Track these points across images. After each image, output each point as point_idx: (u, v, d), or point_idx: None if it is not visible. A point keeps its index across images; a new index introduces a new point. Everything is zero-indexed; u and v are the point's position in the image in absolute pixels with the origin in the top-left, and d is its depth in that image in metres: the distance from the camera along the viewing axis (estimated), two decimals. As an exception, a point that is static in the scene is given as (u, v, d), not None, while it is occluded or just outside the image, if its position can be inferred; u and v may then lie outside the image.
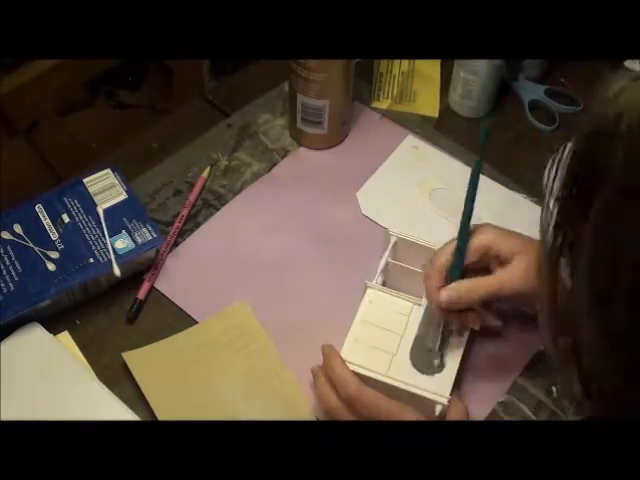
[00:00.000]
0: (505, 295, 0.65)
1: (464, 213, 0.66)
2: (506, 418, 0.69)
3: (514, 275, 0.64)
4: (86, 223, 0.74)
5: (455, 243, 0.66)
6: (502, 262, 0.66)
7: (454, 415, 0.64)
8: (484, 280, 0.66)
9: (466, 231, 0.66)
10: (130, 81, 1.42)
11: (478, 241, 0.66)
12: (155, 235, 0.74)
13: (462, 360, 0.68)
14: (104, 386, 0.68)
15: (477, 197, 0.84)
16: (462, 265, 0.66)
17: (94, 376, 0.69)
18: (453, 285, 0.66)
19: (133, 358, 0.70)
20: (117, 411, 0.67)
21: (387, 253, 0.72)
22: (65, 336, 0.71)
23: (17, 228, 0.73)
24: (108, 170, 0.78)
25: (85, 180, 0.77)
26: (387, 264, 0.73)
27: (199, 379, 0.70)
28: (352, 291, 0.76)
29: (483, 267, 0.67)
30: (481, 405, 0.69)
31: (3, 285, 0.70)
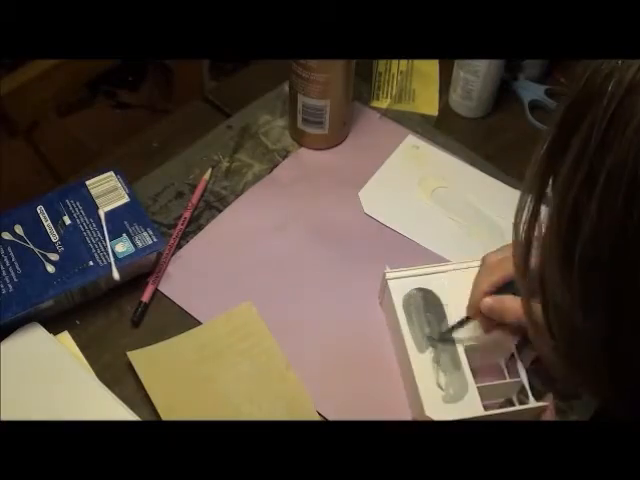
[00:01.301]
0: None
1: None
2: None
3: None
4: (87, 226, 0.74)
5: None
6: None
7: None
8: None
9: None
10: (130, 81, 1.42)
11: None
12: (156, 239, 0.74)
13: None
14: (104, 386, 0.68)
15: (480, 195, 0.85)
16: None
17: (94, 376, 0.69)
18: (502, 299, 0.66)
19: (138, 357, 0.70)
20: (117, 411, 0.67)
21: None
22: (65, 336, 0.71)
23: (18, 229, 0.73)
24: (111, 173, 0.78)
25: (88, 182, 0.77)
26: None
27: (203, 379, 0.70)
28: (356, 290, 0.77)
29: None
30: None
31: (2, 286, 0.70)
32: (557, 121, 0.40)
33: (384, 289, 0.74)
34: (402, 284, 0.72)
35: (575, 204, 0.37)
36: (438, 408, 0.66)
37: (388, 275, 0.72)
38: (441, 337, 0.70)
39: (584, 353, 0.42)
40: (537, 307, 0.43)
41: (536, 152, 0.41)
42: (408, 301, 0.72)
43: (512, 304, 0.65)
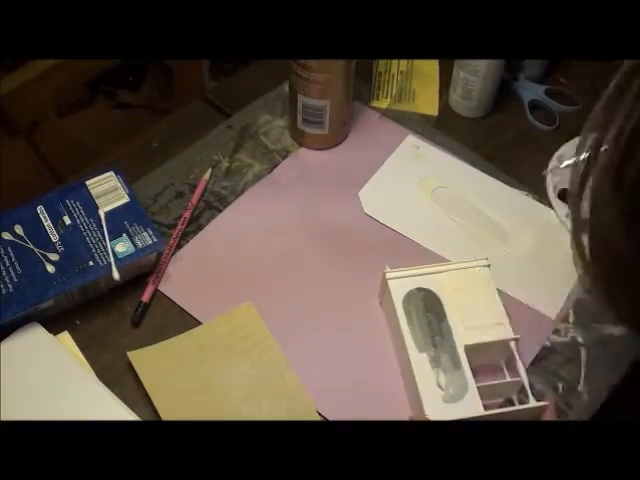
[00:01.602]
0: None
1: None
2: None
3: None
4: (87, 226, 0.74)
5: None
6: None
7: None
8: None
9: None
10: (130, 81, 1.42)
11: None
12: (156, 239, 0.74)
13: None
14: (104, 386, 0.68)
15: (480, 195, 0.85)
16: None
17: (94, 376, 0.69)
18: None
19: (138, 357, 0.70)
20: (117, 411, 0.67)
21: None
22: (65, 336, 0.71)
23: (18, 229, 0.73)
24: (111, 173, 0.78)
25: (88, 182, 0.77)
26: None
27: (203, 379, 0.70)
28: (356, 290, 0.77)
29: None
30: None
31: (2, 286, 0.70)
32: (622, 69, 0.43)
33: (384, 289, 0.74)
34: (402, 284, 0.72)
35: (632, 134, 0.41)
36: (438, 408, 0.66)
37: (388, 275, 0.72)
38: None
39: (624, 277, 0.45)
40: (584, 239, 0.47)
41: (598, 102, 0.45)
42: (408, 301, 0.72)
43: None
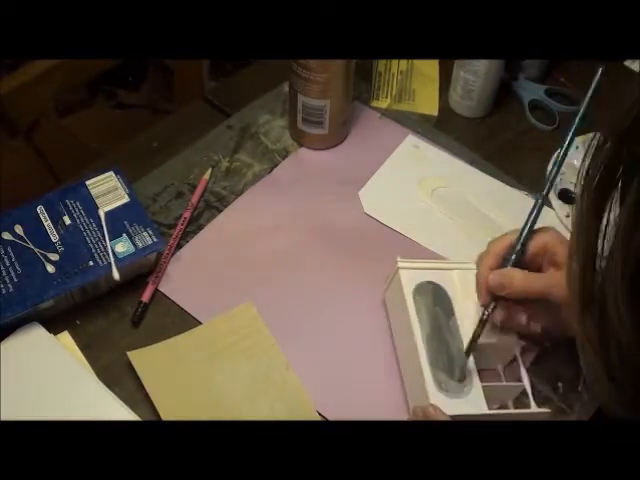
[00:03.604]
0: (554, 298, 0.66)
1: (536, 207, 0.69)
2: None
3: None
4: (87, 226, 0.74)
5: (517, 234, 0.68)
6: (557, 266, 0.67)
7: None
8: (538, 277, 0.68)
9: (532, 224, 0.68)
10: (130, 81, 1.42)
11: (540, 238, 0.68)
12: (156, 239, 0.74)
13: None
14: (104, 386, 0.68)
15: (480, 195, 0.85)
16: (521, 254, 0.68)
17: (94, 376, 0.69)
18: (506, 270, 0.67)
19: (138, 357, 0.70)
20: (117, 411, 0.67)
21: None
22: (65, 336, 0.71)
23: (18, 229, 0.73)
24: (111, 173, 0.78)
25: (88, 182, 0.77)
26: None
27: (203, 379, 0.70)
28: (356, 290, 0.77)
29: (535, 268, 0.69)
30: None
31: (2, 286, 0.70)
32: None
33: (392, 278, 0.73)
34: (413, 275, 0.72)
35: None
36: (441, 402, 0.65)
37: (400, 264, 0.71)
38: (469, 349, 0.68)
39: None
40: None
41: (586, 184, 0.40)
42: (418, 292, 0.71)
43: (517, 273, 0.67)
